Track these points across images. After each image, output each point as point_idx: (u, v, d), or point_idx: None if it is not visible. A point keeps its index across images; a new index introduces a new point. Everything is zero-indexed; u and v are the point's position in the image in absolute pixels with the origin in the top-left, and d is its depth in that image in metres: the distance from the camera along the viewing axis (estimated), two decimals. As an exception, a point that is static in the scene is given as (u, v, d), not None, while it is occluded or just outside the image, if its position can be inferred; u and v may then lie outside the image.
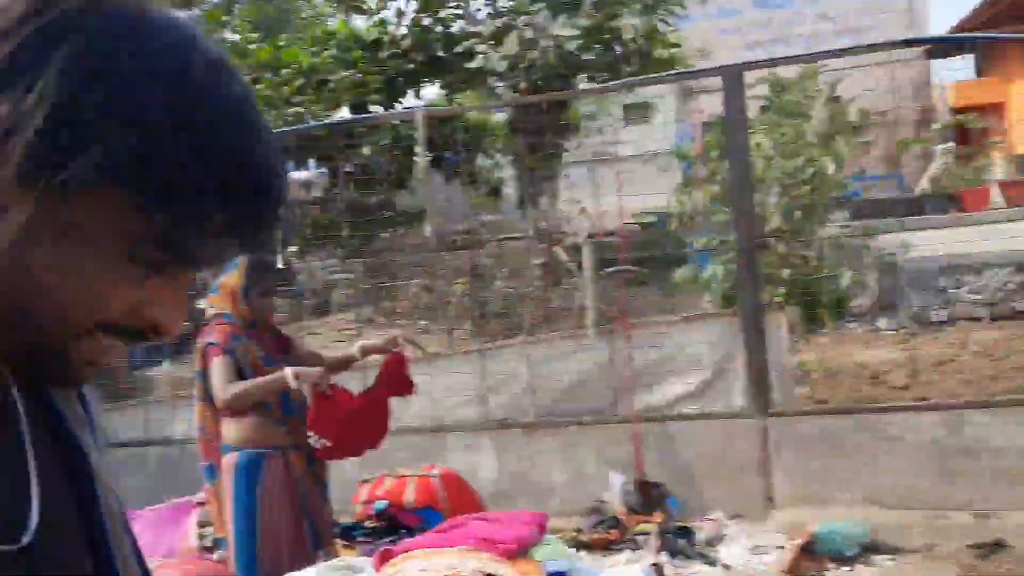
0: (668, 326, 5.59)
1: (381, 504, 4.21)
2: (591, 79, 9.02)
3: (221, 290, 3.55)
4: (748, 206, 5.21)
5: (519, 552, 2.68)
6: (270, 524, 3.34)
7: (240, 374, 3.40)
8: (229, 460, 3.44)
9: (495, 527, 2.74)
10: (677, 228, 6.99)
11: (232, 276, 3.54)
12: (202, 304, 3.73)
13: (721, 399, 5.27)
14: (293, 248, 11.63)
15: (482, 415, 5.54)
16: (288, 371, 3.28)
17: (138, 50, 0.62)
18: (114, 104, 0.60)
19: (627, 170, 6.21)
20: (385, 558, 2.79)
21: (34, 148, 0.59)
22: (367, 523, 4.21)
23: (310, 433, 3.37)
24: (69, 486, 0.73)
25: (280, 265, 7.69)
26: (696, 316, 5.85)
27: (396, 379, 3.62)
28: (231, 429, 3.46)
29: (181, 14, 0.67)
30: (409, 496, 4.21)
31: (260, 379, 3.36)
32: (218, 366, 3.39)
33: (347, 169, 10.05)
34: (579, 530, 4.88)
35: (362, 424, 3.48)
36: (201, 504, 4.52)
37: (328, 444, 3.35)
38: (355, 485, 4.70)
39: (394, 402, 3.68)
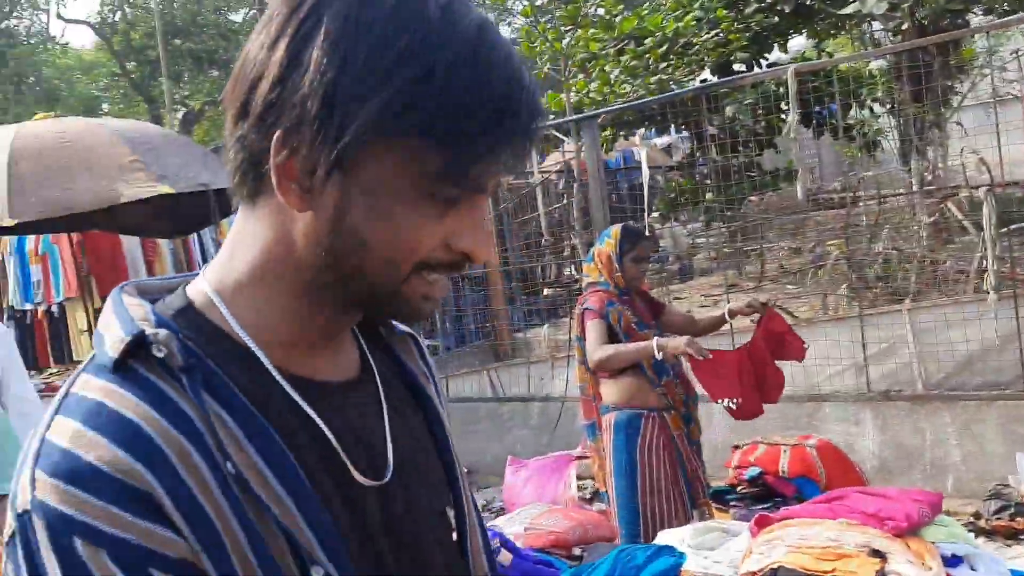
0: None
1: (755, 471, 4.15)
2: (988, 12, 7.93)
3: (596, 259, 3.72)
4: None
5: (909, 531, 2.49)
6: (649, 481, 3.47)
7: (614, 338, 3.54)
8: (609, 419, 3.62)
9: (882, 502, 2.57)
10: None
11: (607, 244, 3.68)
12: (580, 275, 3.94)
13: None
14: (656, 214, 11.77)
15: (862, 385, 5.20)
16: (655, 342, 3.36)
17: (379, 9, 0.68)
18: (377, 63, 0.67)
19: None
20: (763, 523, 2.75)
21: (324, 124, 0.67)
22: (740, 488, 4.17)
23: (720, 400, 3.45)
24: (427, 433, 0.87)
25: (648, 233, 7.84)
26: None
27: (776, 338, 3.59)
28: (610, 390, 3.63)
29: None
30: (784, 464, 4.10)
31: (630, 345, 3.47)
32: (592, 329, 3.56)
33: (711, 131, 9.91)
34: (978, 515, 4.42)
35: (757, 379, 3.50)
36: (580, 458, 4.80)
37: (738, 402, 3.43)
38: (726, 450, 4.68)
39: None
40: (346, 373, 0.82)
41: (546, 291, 9.28)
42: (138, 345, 0.69)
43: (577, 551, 3.53)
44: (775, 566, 2.53)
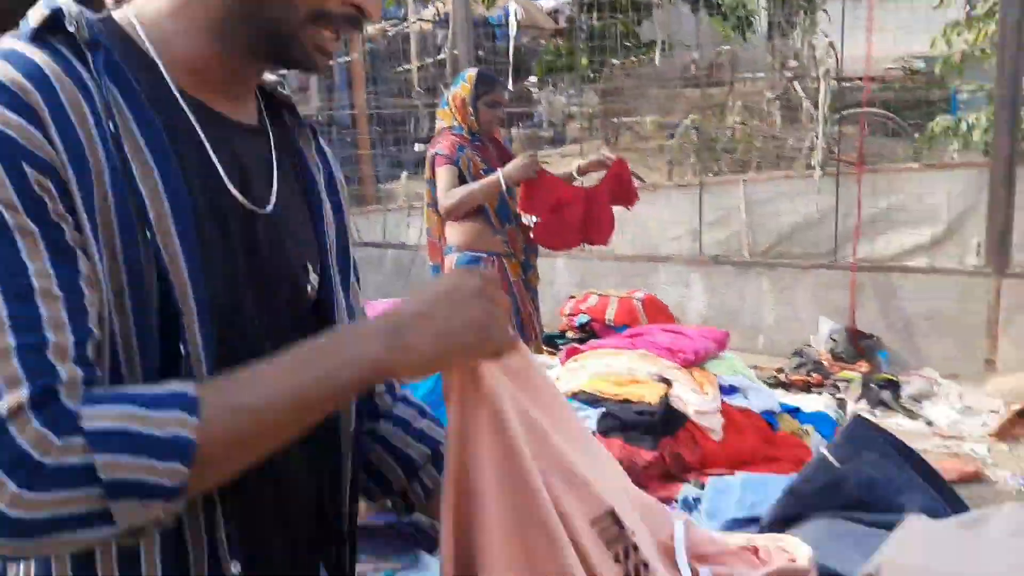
0: (907, 174, 5.21)
1: (584, 318, 4.42)
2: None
3: (451, 102, 3.74)
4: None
5: (696, 363, 2.77)
6: None
7: (463, 183, 3.64)
8: (451, 260, 3.74)
9: (677, 338, 2.84)
10: (942, 72, 6.33)
11: (461, 88, 3.71)
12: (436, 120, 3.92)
13: (954, 255, 4.92)
14: (533, 78, 11.74)
15: (696, 250, 5.55)
16: (499, 172, 3.47)
17: None
18: None
19: (892, 9, 5.67)
20: (571, 353, 2.99)
21: None
22: (569, 334, 4.45)
23: (521, 212, 3.56)
24: (305, 204, 0.97)
25: (510, 85, 7.84)
26: (940, 165, 5.39)
27: (618, 184, 3.71)
28: (454, 233, 3.74)
29: None
30: (610, 313, 4.39)
31: (476, 183, 3.57)
32: (443, 174, 3.62)
33: (592, -3, 9.82)
34: (781, 370, 4.89)
35: (578, 215, 3.62)
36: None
37: (537, 221, 3.54)
38: (565, 301, 4.95)
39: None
40: (243, 118, 0.91)
41: (417, 146, 9.23)
42: (55, 21, 0.76)
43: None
44: (577, 390, 2.78)
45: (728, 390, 2.80)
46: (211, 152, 0.84)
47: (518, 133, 13.46)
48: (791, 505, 1.62)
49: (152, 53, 0.83)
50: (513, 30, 6.96)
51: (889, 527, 1.32)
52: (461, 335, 0.79)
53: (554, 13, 13.66)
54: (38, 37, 0.76)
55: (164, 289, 0.76)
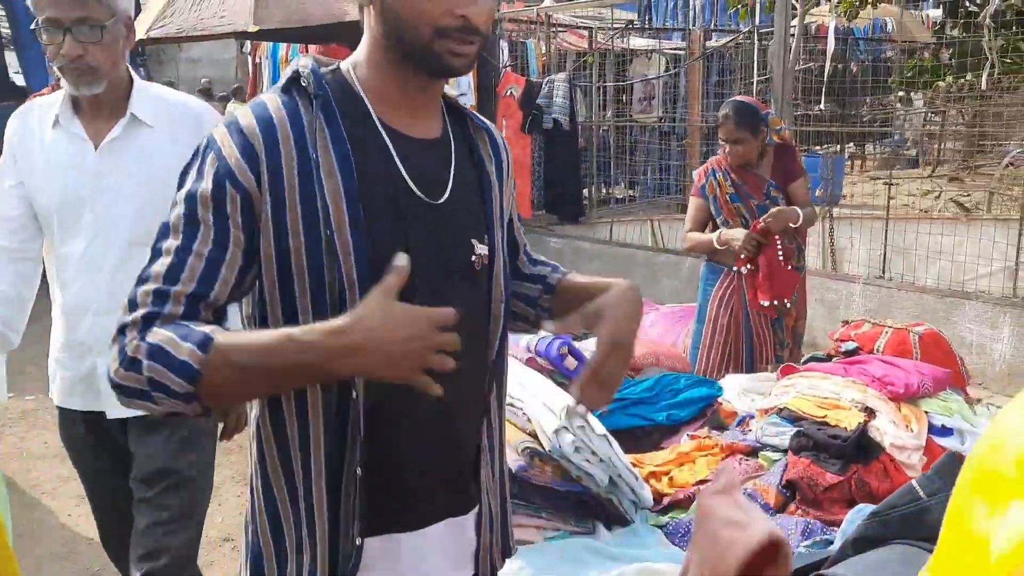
0: None
1: (851, 345, 4.31)
2: None
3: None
4: None
5: (906, 397, 2.73)
6: (712, 331, 3.76)
7: (708, 211, 3.72)
8: (700, 266, 3.92)
9: (890, 369, 2.81)
10: None
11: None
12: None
13: None
14: (899, 93, 11.02)
15: (1009, 290, 5.08)
16: (715, 236, 3.62)
17: None
18: None
19: None
20: (787, 372, 3.08)
21: None
22: (834, 360, 4.37)
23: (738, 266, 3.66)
24: (479, 187, 1.32)
25: (822, 104, 7.54)
26: None
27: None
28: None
29: None
30: (880, 343, 4.22)
31: (702, 237, 3.70)
32: (689, 208, 3.73)
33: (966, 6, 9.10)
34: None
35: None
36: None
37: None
38: (841, 325, 4.84)
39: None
40: (429, 134, 1.25)
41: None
42: (295, 79, 1.19)
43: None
44: (781, 406, 2.88)
45: (941, 431, 2.73)
46: (398, 162, 1.18)
47: (874, 151, 12.76)
48: (873, 527, 1.67)
49: (360, 92, 1.20)
50: (831, 48, 6.74)
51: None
52: (379, 369, 1.04)
53: (937, 22, 12.60)
54: (286, 89, 1.18)
55: (334, 265, 1.12)
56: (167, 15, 6.65)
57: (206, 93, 12.34)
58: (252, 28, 6.30)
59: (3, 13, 8.56)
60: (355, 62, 1.23)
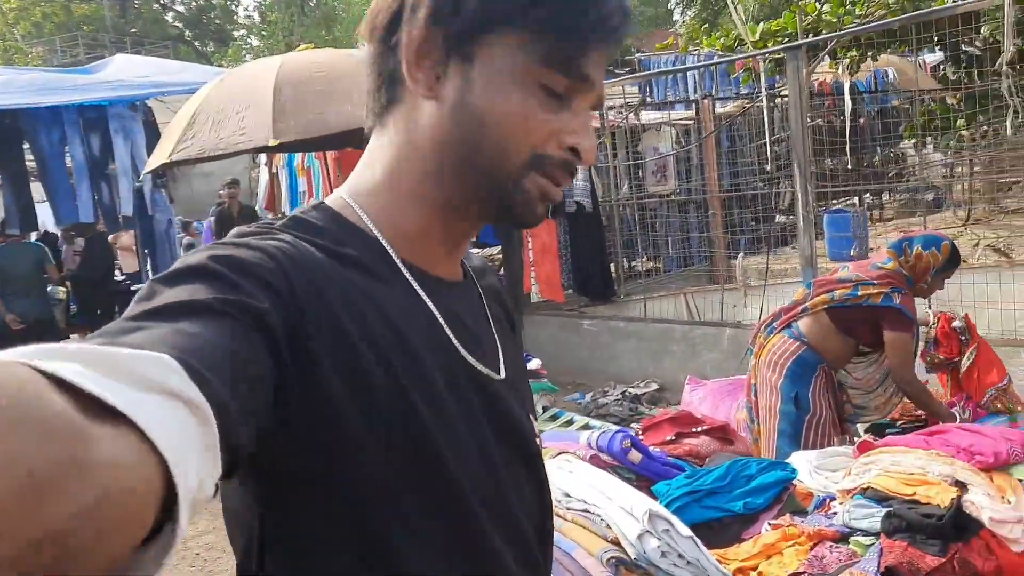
0: None
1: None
2: None
3: (913, 257, 3.67)
4: None
5: (995, 466, 2.61)
6: (818, 419, 3.78)
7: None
8: (793, 346, 3.83)
9: (975, 438, 2.69)
10: None
11: (932, 254, 3.66)
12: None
13: None
14: (906, 143, 11.05)
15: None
16: (948, 411, 3.79)
17: None
18: None
19: None
20: (865, 448, 2.96)
21: (448, 17, 0.80)
22: (899, 423, 4.25)
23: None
24: (516, 352, 1.01)
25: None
26: None
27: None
28: (818, 331, 3.79)
29: None
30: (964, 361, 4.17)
31: (940, 405, 3.79)
32: (906, 343, 3.62)
33: (966, 51, 9.16)
34: None
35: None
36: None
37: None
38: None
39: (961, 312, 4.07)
40: (455, 276, 0.93)
41: (778, 217, 9.12)
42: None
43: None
44: (865, 486, 2.76)
45: (1038, 499, 2.59)
46: (443, 323, 0.84)
47: (890, 198, 12.72)
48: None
49: (372, 228, 0.84)
50: (848, 105, 6.76)
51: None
52: None
53: (937, 69, 12.72)
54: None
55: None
56: (187, 138, 6.76)
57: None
58: (272, 142, 6.38)
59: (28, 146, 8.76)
60: (356, 191, 0.88)
